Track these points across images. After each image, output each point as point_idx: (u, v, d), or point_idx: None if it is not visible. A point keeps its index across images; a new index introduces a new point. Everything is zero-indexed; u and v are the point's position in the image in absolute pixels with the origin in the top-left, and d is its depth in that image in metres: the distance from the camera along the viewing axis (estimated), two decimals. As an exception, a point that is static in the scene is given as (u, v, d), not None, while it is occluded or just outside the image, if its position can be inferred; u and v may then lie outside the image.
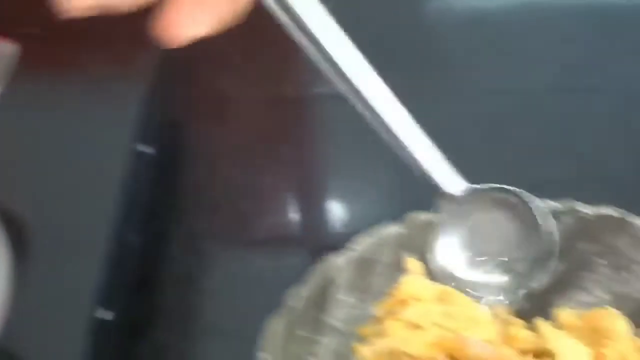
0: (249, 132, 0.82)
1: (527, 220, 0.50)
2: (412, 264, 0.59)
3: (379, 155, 0.65)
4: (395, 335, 0.57)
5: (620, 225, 0.59)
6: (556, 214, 0.60)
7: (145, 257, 0.74)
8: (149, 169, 0.76)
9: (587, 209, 0.59)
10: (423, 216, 0.59)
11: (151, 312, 0.71)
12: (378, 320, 0.59)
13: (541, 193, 0.59)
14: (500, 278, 0.51)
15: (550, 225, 0.49)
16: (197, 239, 0.76)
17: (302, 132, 0.84)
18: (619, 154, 0.79)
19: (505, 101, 0.85)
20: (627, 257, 0.61)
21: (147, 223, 0.75)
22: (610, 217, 0.59)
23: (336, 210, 0.76)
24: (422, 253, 0.59)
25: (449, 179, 0.46)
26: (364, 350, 0.57)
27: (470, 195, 0.47)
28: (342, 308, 0.59)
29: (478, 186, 0.48)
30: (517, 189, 0.49)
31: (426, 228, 0.59)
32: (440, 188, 0.47)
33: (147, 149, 0.75)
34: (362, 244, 0.58)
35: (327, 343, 0.59)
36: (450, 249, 0.51)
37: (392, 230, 0.59)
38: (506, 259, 0.51)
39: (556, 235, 0.49)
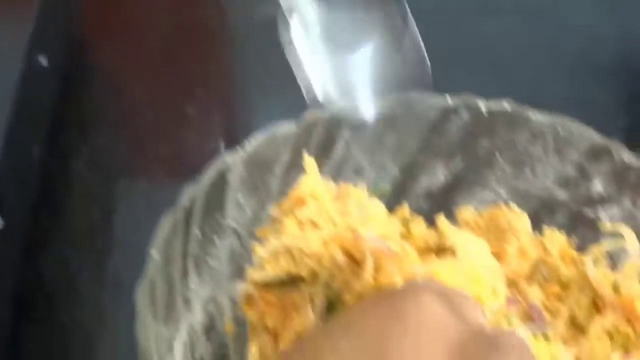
0: (154, 49, 0.81)
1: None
2: (309, 163, 0.58)
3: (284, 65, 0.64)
4: (292, 234, 0.56)
5: (518, 120, 0.59)
6: (454, 109, 0.59)
7: (48, 171, 0.73)
8: (51, 81, 0.75)
9: (484, 104, 0.59)
10: (319, 114, 0.59)
11: (53, 226, 0.70)
12: (276, 220, 0.58)
13: (444, 91, 0.59)
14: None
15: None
16: (101, 154, 0.75)
17: (207, 48, 0.83)
18: (522, 52, 0.79)
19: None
20: (528, 154, 0.61)
21: (51, 137, 0.74)
22: (507, 112, 0.58)
23: (240, 122, 0.76)
24: (319, 152, 0.59)
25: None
26: (261, 250, 0.57)
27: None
28: (240, 209, 0.58)
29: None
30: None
31: (323, 126, 0.59)
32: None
33: (48, 62, 0.74)
34: (254, 142, 0.57)
35: (224, 244, 0.58)
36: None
37: (286, 128, 0.58)
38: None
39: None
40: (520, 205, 0.60)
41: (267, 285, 0.56)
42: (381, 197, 0.59)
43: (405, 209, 0.61)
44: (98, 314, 0.68)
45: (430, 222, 0.59)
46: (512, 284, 0.58)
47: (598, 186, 0.59)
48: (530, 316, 0.56)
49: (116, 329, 0.66)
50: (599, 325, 0.55)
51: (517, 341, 0.40)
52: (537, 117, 0.59)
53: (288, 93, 0.77)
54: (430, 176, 0.62)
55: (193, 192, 0.55)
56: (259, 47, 0.80)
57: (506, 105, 0.59)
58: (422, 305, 0.38)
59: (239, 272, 0.58)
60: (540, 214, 0.61)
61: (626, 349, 0.55)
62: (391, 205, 0.61)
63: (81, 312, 0.68)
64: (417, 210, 0.61)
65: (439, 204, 0.62)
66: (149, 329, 0.51)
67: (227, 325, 0.59)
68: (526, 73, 0.80)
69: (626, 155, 0.57)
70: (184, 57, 0.81)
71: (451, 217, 0.60)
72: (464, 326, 0.38)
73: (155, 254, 0.52)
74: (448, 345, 0.37)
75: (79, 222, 0.71)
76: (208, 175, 0.55)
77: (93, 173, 0.74)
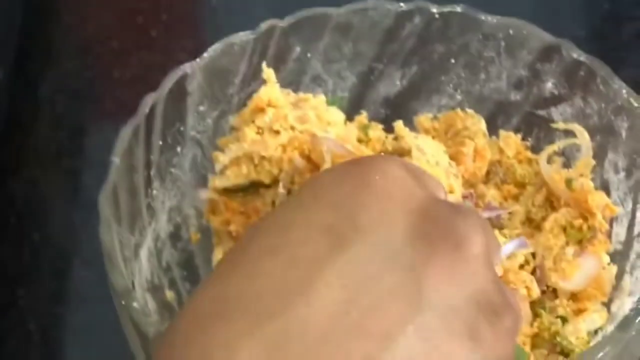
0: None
1: None
2: (268, 73, 0.59)
3: None
4: (252, 140, 0.57)
5: (470, 22, 0.60)
6: (407, 15, 0.60)
7: (16, 95, 0.74)
8: (17, 7, 0.75)
9: (435, 7, 0.60)
10: (276, 23, 0.60)
11: (23, 148, 0.71)
12: (236, 129, 0.59)
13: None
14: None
15: None
16: (68, 78, 0.76)
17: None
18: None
19: None
20: (482, 57, 0.62)
21: (18, 62, 0.75)
22: (458, 13, 0.59)
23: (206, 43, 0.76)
24: (276, 61, 0.60)
25: None
26: (222, 157, 0.58)
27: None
28: (200, 119, 0.60)
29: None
30: None
31: (280, 35, 0.60)
32: None
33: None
34: (211, 52, 0.58)
35: (187, 153, 0.59)
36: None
37: (243, 37, 0.59)
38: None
39: None
40: (476, 109, 0.62)
41: (229, 191, 0.57)
42: (337, 105, 0.60)
43: (363, 116, 0.62)
44: (69, 231, 0.69)
45: (389, 130, 0.61)
46: (470, 186, 0.59)
47: (550, 85, 0.60)
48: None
49: (87, 246, 0.68)
50: (553, 221, 0.57)
51: (477, 211, 0.41)
52: (488, 19, 0.60)
53: (255, 15, 0.78)
54: (388, 83, 0.63)
55: (152, 99, 0.56)
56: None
57: (458, 8, 0.60)
58: (387, 174, 0.40)
59: (202, 182, 0.59)
60: (496, 117, 0.62)
61: (580, 244, 0.56)
62: (351, 114, 0.62)
63: (52, 230, 0.70)
64: (375, 118, 0.62)
65: (397, 110, 0.63)
66: (113, 233, 0.52)
67: (193, 235, 0.61)
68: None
69: (576, 53, 0.58)
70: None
71: (409, 124, 0.61)
72: (427, 194, 0.40)
73: (116, 159, 0.53)
74: (412, 209, 0.39)
75: (48, 144, 0.72)
76: (167, 83, 0.56)
77: (60, 96, 0.75)
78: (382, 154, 0.57)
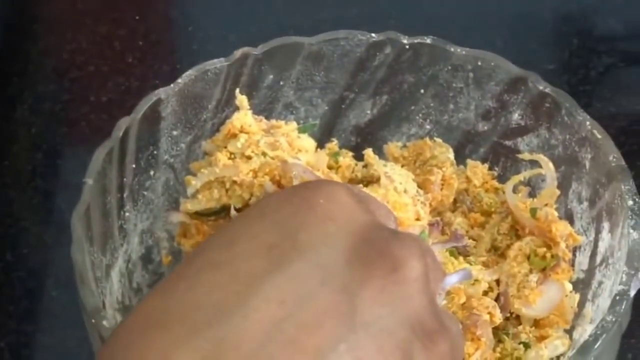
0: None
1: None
2: (241, 100, 0.60)
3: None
4: (224, 164, 0.58)
5: (440, 53, 0.61)
6: (378, 45, 0.61)
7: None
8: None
9: (406, 39, 0.61)
10: (249, 51, 0.61)
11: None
12: (209, 154, 0.60)
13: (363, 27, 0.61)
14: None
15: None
16: (45, 101, 0.77)
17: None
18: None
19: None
20: (451, 87, 0.63)
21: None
22: (428, 45, 0.61)
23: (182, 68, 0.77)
24: (249, 87, 0.61)
25: None
26: (194, 180, 0.58)
27: None
28: (174, 143, 0.61)
29: None
30: None
31: (253, 62, 0.61)
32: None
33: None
34: (186, 77, 0.59)
35: (159, 177, 0.60)
36: None
37: (217, 64, 0.60)
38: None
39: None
40: (444, 139, 0.63)
41: (200, 215, 0.58)
42: (308, 132, 0.61)
43: (333, 144, 0.63)
44: (41, 252, 0.70)
45: (359, 157, 0.62)
46: (437, 214, 0.60)
47: (517, 117, 0.61)
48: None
49: (59, 266, 0.68)
50: (518, 249, 0.58)
51: (420, 240, 0.42)
52: (457, 50, 0.61)
53: (230, 42, 0.79)
54: (358, 112, 0.64)
55: (127, 123, 0.57)
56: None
57: (428, 39, 0.61)
58: (332, 197, 0.41)
59: (174, 205, 0.60)
60: (464, 147, 0.63)
61: (544, 272, 0.57)
62: (321, 141, 0.63)
63: (25, 250, 0.70)
64: (345, 146, 0.64)
65: (367, 139, 0.64)
66: (85, 253, 0.53)
67: (164, 257, 0.61)
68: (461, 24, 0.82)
69: (542, 85, 0.60)
70: (127, 7, 0.83)
71: (379, 152, 0.63)
72: (371, 219, 0.41)
73: (90, 180, 0.54)
74: (353, 232, 0.40)
75: (23, 165, 0.73)
76: (141, 107, 0.57)
77: (37, 118, 0.75)
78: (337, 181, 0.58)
